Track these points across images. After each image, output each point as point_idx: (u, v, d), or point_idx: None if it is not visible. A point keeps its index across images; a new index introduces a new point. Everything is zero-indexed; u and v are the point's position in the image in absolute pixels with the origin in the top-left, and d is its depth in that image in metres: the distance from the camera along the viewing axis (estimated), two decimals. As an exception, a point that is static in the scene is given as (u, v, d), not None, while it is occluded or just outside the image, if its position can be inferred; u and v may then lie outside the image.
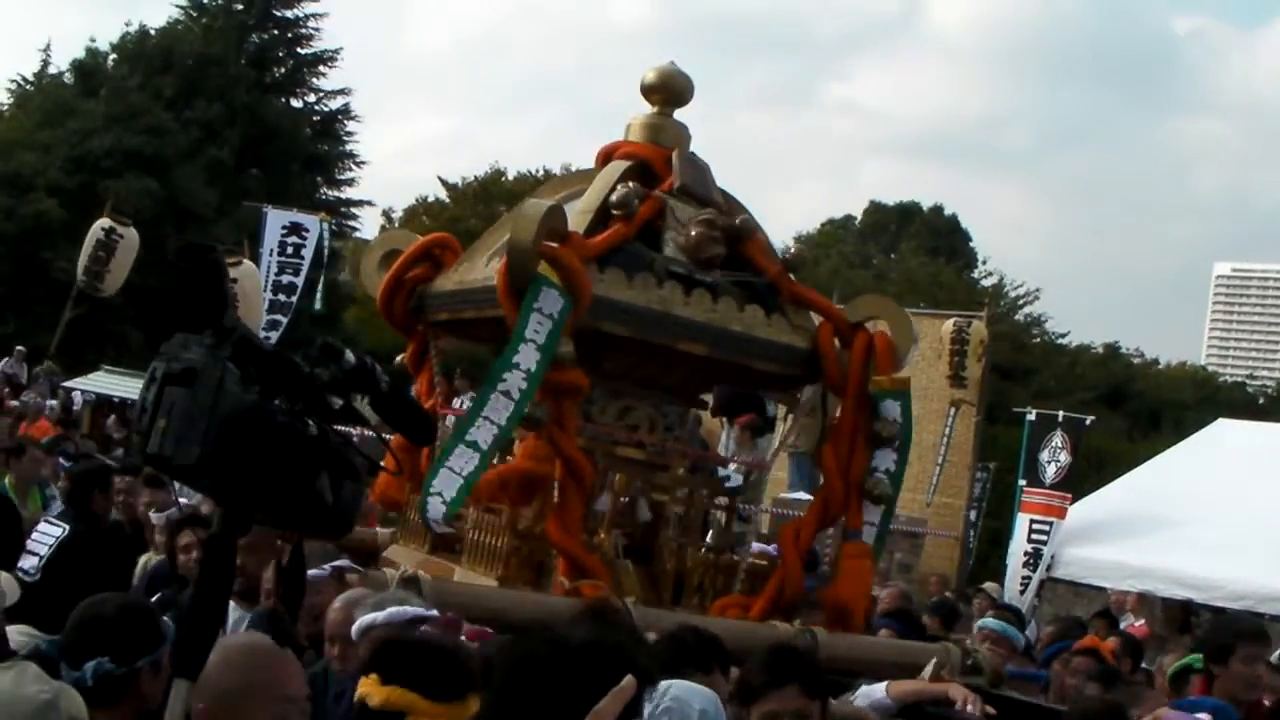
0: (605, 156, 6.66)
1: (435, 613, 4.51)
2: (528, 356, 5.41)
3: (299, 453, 2.97)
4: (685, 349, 5.99)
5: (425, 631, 4.29)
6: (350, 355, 3.23)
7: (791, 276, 6.37)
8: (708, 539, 6.48)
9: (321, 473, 3.00)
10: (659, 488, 6.27)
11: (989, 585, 14.98)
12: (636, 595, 5.79)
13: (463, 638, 4.39)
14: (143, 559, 7.79)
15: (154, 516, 7.80)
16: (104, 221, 21.13)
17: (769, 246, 6.49)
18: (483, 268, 6.19)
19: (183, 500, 8.08)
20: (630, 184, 6.13)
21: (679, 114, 6.68)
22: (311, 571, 5.31)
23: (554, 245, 5.57)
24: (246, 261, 15.39)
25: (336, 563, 5.44)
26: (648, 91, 6.69)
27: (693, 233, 6.13)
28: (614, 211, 6.02)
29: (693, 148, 6.54)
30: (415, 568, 6.07)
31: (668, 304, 5.92)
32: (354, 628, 4.54)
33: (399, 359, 7.18)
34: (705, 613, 5.95)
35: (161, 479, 8.58)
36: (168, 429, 2.89)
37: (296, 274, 22.60)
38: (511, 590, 5.51)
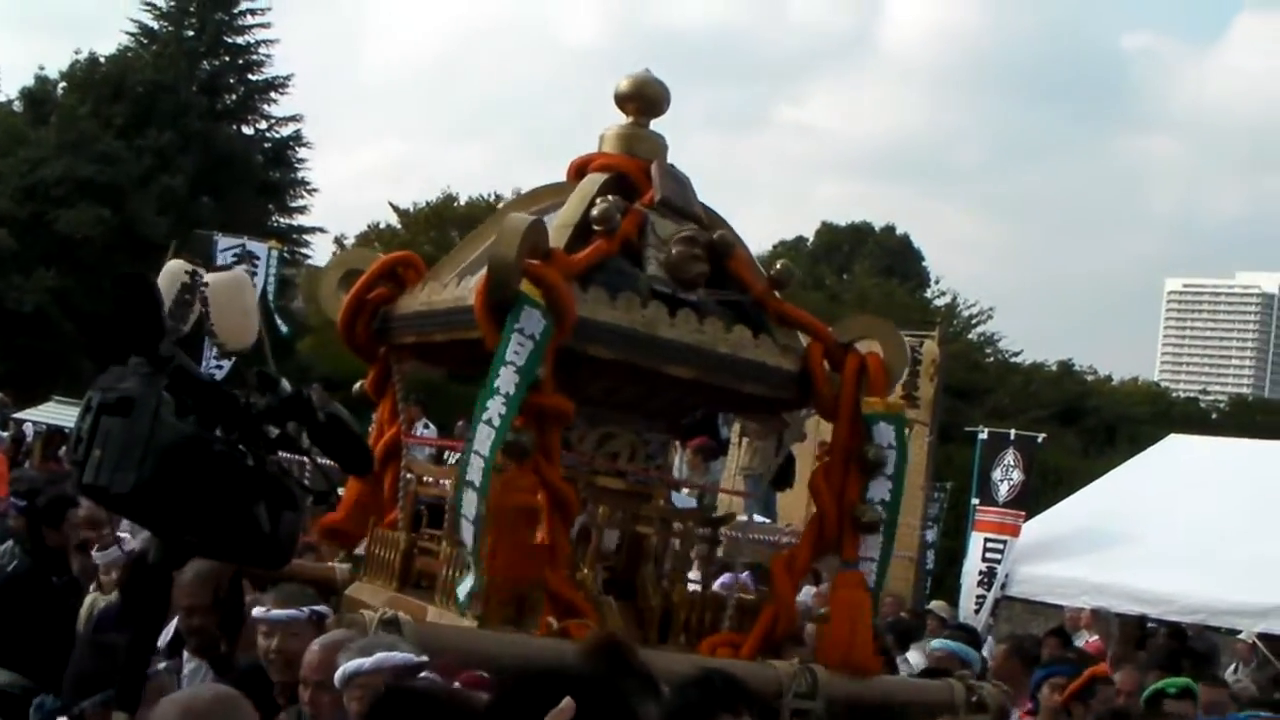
0: (579, 169, 6.26)
1: (425, 659, 4.17)
2: (507, 381, 5.00)
3: (236, 482, 2.94)
4: (671, 372, 5.59)
5: (428, 680, 4.04)
6: (285, 384, 3.20)
7: (778, 294, 5.98)
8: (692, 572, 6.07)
9: (259, 502, 2.97)
10: (642, 519, 5.87)
11: (936, 604, 14.76)
12: (621, 633, 5.38)
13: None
14: (89, 599, 7.30)
15: (97, 556, 7.30)
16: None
17: (753, 262, 6.11)
18: (453, 287, 5.77)
19: (123, 535, 7.56)
20: (611, 198, 5.73)
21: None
22: (286, 612, 4.95)
23: (536, 262, 5.16)
24: (228, 273, 14.12)
25: (315, 607, 5.03)
26: (622, 101, 6.30)
27: (673, 251, 5.74)
28: (595, 227, 5.61)
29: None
30: (383, 606, 5.66)
31: (653, 325, 5.51)
32: (338, 674, 4.19)
33: (358, 385, 6.75)
34: (694, 651, 5.55)
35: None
36: (104, 459, 2.85)
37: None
38: (504, 633, 5.07)
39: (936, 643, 8.45)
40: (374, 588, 6.03)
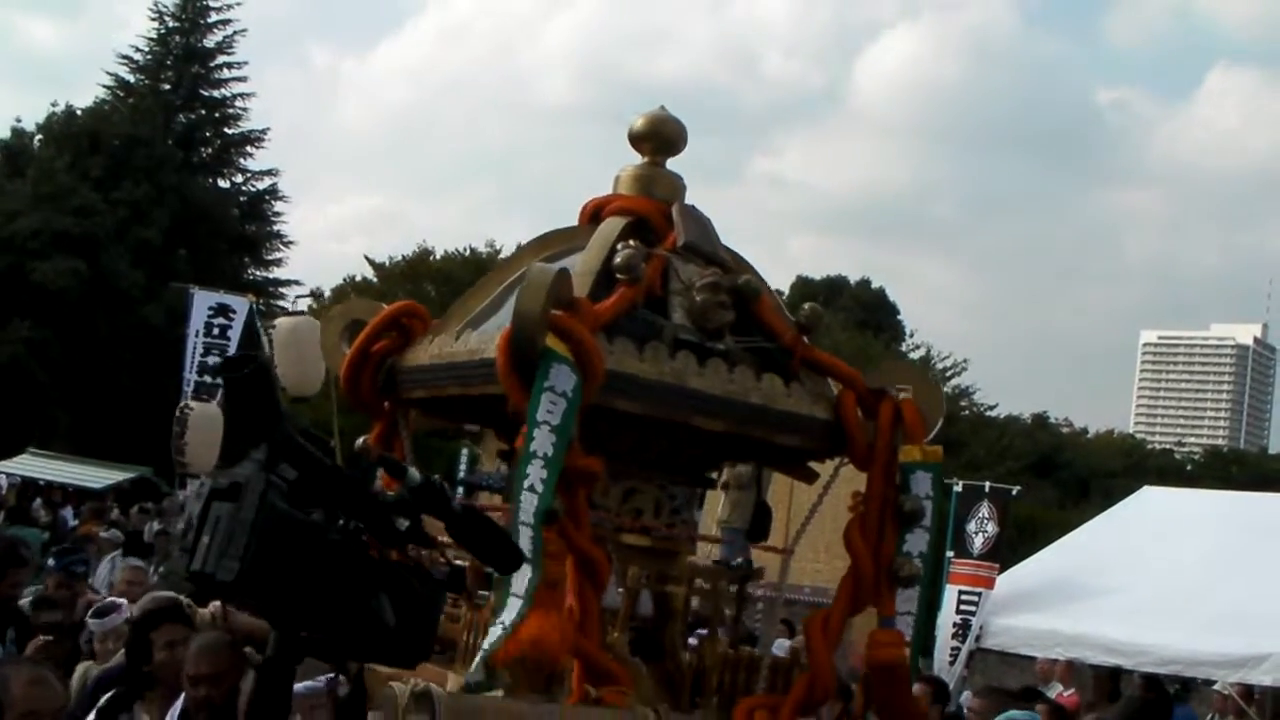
0: (593, 212, 5.92)
1: None
2: (543, 442, 4.61)
3: (353, 573, 2.76)
4: (702, 425, 5.22)
5: None
6: (414, 473, 2.99)
7: (806, 340, 5.64)
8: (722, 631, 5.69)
9: (380, 594, 2.79)
10: (670, 578, 5.49)
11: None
12: (652, 698, 5.01)
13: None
14: (80, 669, 6.88)
15: (94, 624, 6.87)
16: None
17: (779, 306, 5.76)
18: (468, 339, 5.39)
19: (120, 602, 7.15)
20: (633, 243, 5.38)
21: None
22: (305, 685, 4.61)
23: (562, 314, 4.80)
24: (297, 318, 13.45)
25: (329, 675, 4.64)
26: (637, 140, 5.96)
27: (699, 298, 5.38)
28: (618, 275, 5.26)
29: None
30: (396, 671, 5.28)
31: (682, 376, 5.14)
32: None
33: (361, 441, 6.35)
34: (728, 717, 5.17)
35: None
36: (211, 545, 2.70)
37: (223, 355, 21.90)
38: (539, 704, 4.68)
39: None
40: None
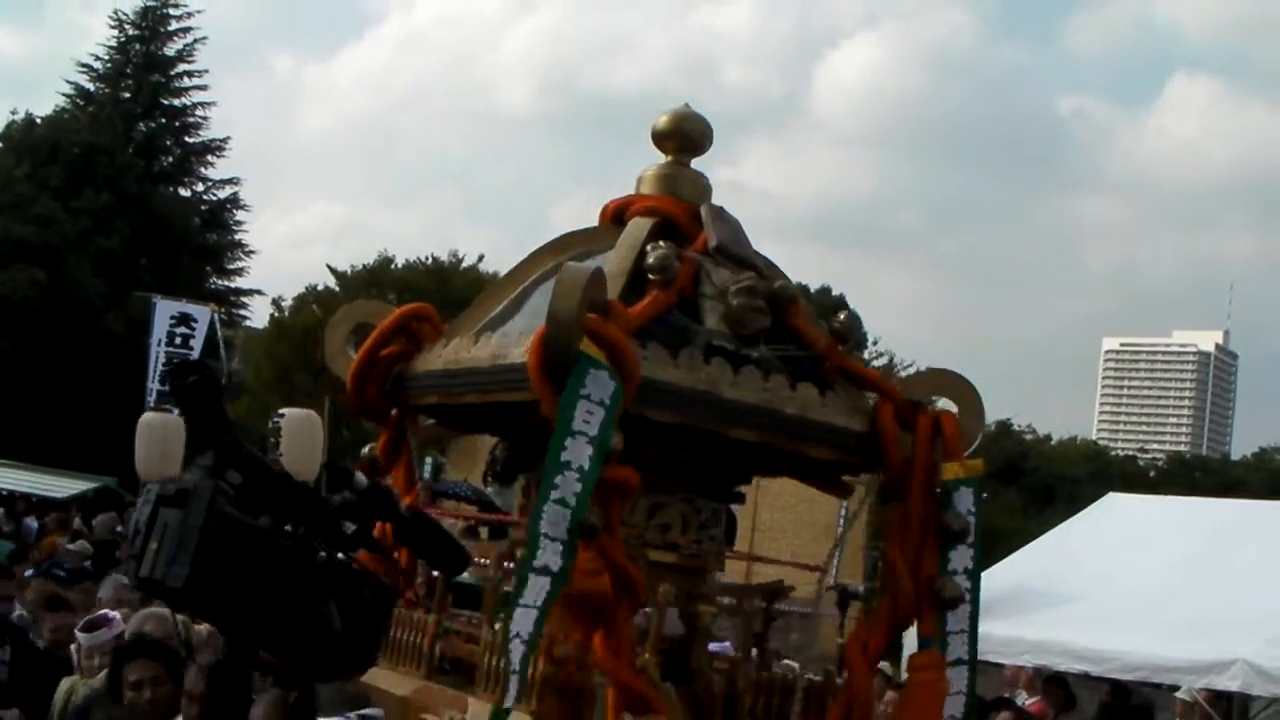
0: (616, 212, 5.61)
1: None
2: (578, 452, 4.27)
3: (301, 579, 2.73)
4: (735, 435, 4.89)
5: None
6: (361, 477, 3.02)
7: (841, 349, 5.34)
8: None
9: (329, 600, 2.74)
10: (698, 597, 5.17)
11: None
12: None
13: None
14: (65, 684, 6.49)
15: (83, 638, 6.48)
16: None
17: (813, 315, 5.45)
18: (491, 343, 5.05)
19: (113, 615, 6.76)
20: (663, 244, 5.06)
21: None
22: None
23: (596, 317, 4.47)
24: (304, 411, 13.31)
25: (364, 711, 4.29)
26: (660, 139, 5.66)
27: (734, 303, 5.06)
28: (651, 276, 4.94)
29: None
30: (412, 694, 4.95)
31: (716, 384, 4.81)
32: None
33: (368, 448, 6.02)
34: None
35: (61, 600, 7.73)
36: (160, 551, 2.68)
37: None
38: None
39: None
40: (397, 675, 5.28)
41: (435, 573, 5.41)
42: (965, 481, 5.19)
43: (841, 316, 5.45)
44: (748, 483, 5.63)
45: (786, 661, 9.72)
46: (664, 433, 4.88)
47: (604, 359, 4.40)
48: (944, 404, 5.35)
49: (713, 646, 6.33)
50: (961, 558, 5.17)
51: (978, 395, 5.37)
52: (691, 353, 4.83)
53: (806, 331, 5.26)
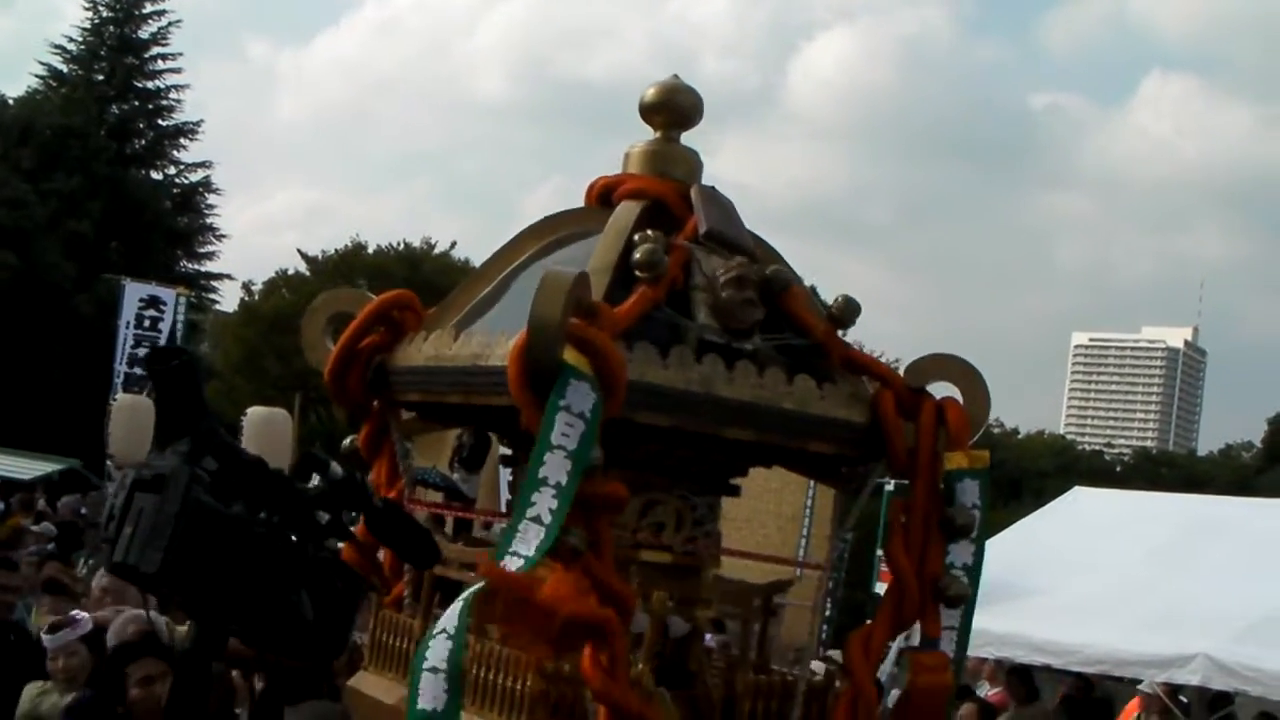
0: (602, 193, 5.32)
1: None
2: (556, 468, 3.97)
3: (274, 567, 2.74)
4: (731, 435, 4.62)
5: None
6: (336, 467, 2.99)
7: (840, 335, 5.09)
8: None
9: (300, 589, 2.76)
10: (694, 598, 4.94)
11: (835, 654, 14.17)
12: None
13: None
14: (33, 689, 6.20)
15: (47, 639, 6.19)
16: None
17: (810, 300, 5.18)
18: (468, 342, 4.76)
19: (81, 615, 6.49)
20: (651, 233, 4.78)
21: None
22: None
23: (579, 323, 4.18)
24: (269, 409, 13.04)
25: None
26: (648, 113, 5.35)
27: (723, 295, 4.79)
28: (638, 273, 4.65)
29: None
30: (399, 702, 4.70)
31: (710, 383, 4.52)
32: None
33: (349, 441, 5.75)
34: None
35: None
36: (134, 536, 2.68)
37: (153, 348, 21.36)
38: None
39: None
40: (384, 681, 5.03)
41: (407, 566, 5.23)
42: (970, 473, 4.96)
43: (840, 299, 5.15)
44: (744, 474, 5.38)
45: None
46: (657, 431, 4.63)
47: (588, 367, 4.13)
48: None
49: (707, 639, 6.12)
50: (963, 553, 4.96)
51: (983, 381, 5.13)
52: (682, 351, 4.55)
53: (804, 318, 4.99)
